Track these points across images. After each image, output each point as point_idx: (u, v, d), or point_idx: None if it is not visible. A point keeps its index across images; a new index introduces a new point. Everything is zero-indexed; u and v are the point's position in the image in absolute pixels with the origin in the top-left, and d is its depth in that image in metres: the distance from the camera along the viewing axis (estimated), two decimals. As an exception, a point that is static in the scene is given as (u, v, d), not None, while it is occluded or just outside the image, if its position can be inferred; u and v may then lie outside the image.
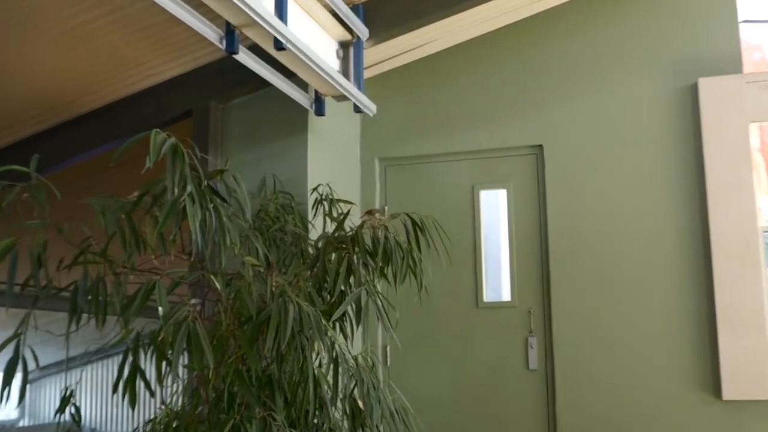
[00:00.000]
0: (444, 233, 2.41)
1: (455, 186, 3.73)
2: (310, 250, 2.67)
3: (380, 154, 3.82)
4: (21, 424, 9.79)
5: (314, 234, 2.91)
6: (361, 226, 2.36)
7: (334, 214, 2.81)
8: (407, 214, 2.45)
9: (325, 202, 2.88)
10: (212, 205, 1.87)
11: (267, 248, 2.40)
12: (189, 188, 1.79)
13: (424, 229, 2.42)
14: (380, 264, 2.28)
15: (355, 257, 2.25)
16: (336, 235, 2.38)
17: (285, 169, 3.11)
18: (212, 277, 1.98)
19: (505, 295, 3.62)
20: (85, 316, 1.89)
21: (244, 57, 2.52)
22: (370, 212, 2.46)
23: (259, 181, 3.09)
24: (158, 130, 1.83)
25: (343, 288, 2.26)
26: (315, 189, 3.02)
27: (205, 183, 1.87)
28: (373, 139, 3.81)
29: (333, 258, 2.28)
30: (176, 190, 1.77)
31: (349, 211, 2.56)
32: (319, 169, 3.20)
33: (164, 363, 1.87)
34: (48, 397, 9.91)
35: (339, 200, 2.93)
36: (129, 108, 3.35)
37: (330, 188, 3.02)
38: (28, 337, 1.74)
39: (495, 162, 3.69)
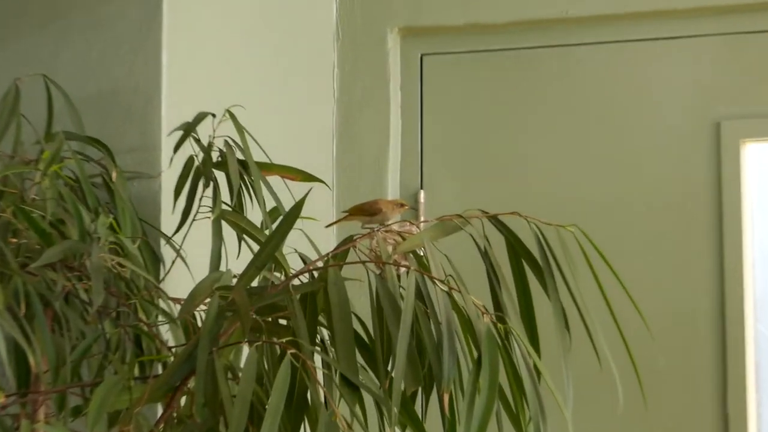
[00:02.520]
0: (620, 281, 1.96)
1: (658, 126, 3.37)
2: (169, 337, 2.46)
3: (407, 20, 3.52)
4: None
5: (182, 283, 2.56)
6: (341, 259, 2.10)
7: (255, 218, 2.54)
8: (492, 219, 2.10)
9: (216, 172, 2.56)
10: None
11: (23, 325, 2.12)
12: None
13: (549, 268, 2.05)
14: (404, 384, 1.93)
15: (319, 362, 2.02)
16: (256, 285, 2.11)
17: (85, 61, 2.91)
18: None
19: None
20: None
21: None
22: (368, 209, 2.34)
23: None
24: None
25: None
26: (188, 128, 2.61)
27: None
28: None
29: (247, 360, 1.98)
30: None
31: (301, 205, 2.05)
32: (197, 63, 3.00)
33: None
34: None
35: (268, 167, 2.62)
36: None
37: (240, 128, 2.57)
38: None
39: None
